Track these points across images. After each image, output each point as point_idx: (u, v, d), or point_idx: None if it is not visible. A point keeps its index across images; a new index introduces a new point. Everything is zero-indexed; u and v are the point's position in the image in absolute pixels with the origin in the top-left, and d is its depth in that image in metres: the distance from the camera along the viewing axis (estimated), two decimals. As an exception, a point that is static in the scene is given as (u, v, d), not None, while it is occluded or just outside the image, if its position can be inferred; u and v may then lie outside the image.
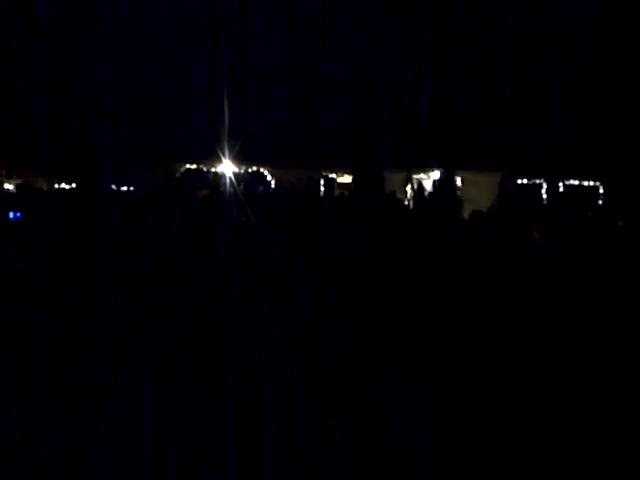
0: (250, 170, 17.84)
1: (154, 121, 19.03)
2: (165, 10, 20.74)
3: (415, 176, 14.90)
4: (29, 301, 6.67)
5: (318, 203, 9.81)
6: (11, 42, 20.57)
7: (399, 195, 13.64)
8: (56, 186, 17.46)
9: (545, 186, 17.64)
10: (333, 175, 17.46)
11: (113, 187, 15.29)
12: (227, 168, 12.45)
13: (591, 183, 18.14)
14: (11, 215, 11.63)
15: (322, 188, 15.51)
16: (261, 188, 15.82)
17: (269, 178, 17.91)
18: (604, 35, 18.57)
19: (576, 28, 18.65)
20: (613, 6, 18.54)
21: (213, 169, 16.91)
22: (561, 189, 17.91)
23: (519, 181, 17.03)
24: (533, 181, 17.48)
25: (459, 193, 12.62)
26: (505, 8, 19.24)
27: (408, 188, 14.44)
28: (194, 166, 17.87)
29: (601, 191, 18.02)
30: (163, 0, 20.95)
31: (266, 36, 19.99)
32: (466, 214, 9.53)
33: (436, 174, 15.44)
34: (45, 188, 16.37)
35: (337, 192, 14.97)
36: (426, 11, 19.78)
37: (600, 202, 17.41)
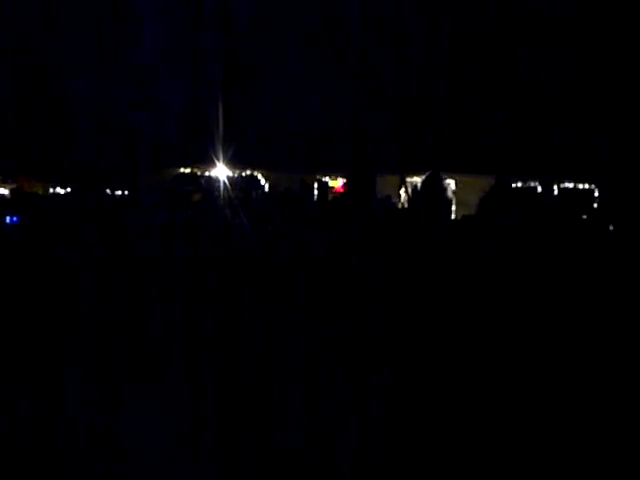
0: (244, 174, 17.82)
1: (148, 126, 19.01)
2: (161, 15, 20.75)
3: (409, 179, 14.90)
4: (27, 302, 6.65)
5: (311, 206, 9.84)
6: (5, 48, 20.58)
7: (394, 199, 13.65)
8: (51, 190, 17.45)
9: (540, 189, 17.62)
10: (327, 179, 17.45)
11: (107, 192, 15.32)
12: (221, 172, 12.47)
13: (586, 186, 18.12)
14: (7, 219, 11.63)
15: (315, 192, 15.54)
16: (255, 192, 15.82)
17: (263, 182, 17.90)
18: (600, 38, 18.59)
19: (571, 30, 18.66)
20: (612, 8, 18.55)
21: (207, 173, 16.93)
22: (556, 192, 17.89)
23: (513, 184, 16.99)
24: (528, 184, 17.46)
25: (450, 195, 12.63)
26: (502, 6, 19.24)
27: (402, 191, 14.44)
28: (188, 170, 17.85)
29: (596, 194, 18.01)
30: (158, 5, 20.97)
31: (259, 39, 20.01)
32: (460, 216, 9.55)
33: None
34: (40, 193, 16.38)
35: (331, 196, 14.99)
36: (422, 14, 19.80)
37: (595, 205, 17.42)
